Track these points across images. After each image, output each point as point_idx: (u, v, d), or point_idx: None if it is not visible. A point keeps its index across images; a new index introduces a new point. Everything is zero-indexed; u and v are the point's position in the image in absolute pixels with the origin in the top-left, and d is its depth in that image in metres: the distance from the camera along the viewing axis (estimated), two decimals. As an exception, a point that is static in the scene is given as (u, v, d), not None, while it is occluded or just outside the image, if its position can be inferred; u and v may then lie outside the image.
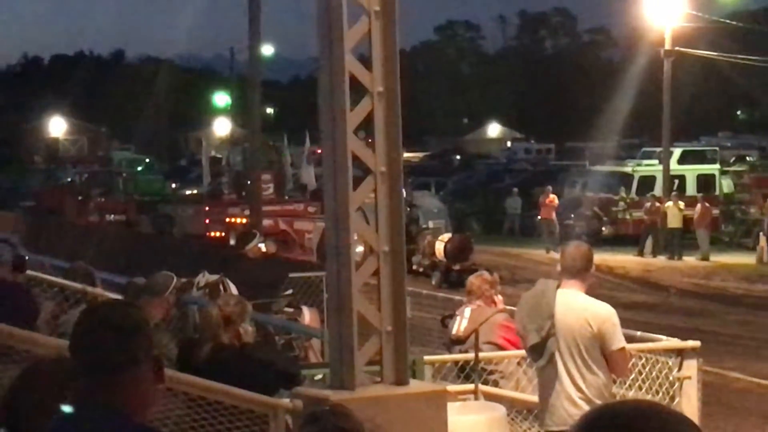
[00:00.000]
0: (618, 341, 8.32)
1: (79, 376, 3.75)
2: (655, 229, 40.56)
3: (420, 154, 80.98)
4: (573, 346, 8.24)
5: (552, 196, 41.96)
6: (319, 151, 23.41)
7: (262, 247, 17.49)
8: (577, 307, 8.29)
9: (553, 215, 41.54)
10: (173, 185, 57.52)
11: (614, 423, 2.36)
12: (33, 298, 9.50)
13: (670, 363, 10.56)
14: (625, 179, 44.39)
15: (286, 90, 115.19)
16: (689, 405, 10.43)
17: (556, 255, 34.70)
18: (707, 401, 11.82)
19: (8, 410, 4.07)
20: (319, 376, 9.32)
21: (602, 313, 8.30)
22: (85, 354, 3.75)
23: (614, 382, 10.32)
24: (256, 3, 32.55)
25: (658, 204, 40.78)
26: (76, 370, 3.77)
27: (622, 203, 43.30)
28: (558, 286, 8.39)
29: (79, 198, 51.48)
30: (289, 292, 16.45)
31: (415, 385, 7.59)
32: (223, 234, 39.10)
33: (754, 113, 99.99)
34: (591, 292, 8.46)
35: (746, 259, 38.70)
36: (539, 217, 42.35)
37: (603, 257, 37.32)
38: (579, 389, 8.23)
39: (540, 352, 8.30)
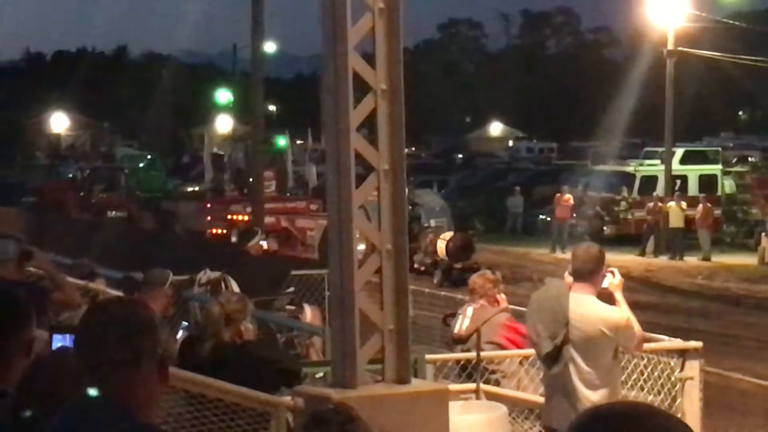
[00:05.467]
0: (637, 336, 8.36)
1: (83, 373, 3.74)
2: (657, 229, 40.55)
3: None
4: (587, 354, 8.22)
5: (568, 195, 41.81)
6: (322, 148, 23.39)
7: (264, 244, 17.43)
8: (591, 314, 8.26)
9: (569, 215, 41.38)
10: (176, 182, 57.48)
11: (607, 424, 2.35)
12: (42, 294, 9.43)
13: (672, 363, 10.54)
14: (628, 179, 44.39)
15: (289, 87, 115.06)
16: (691, 406, 10.42)
17: (561, 255, 34.76)
18: (709, 402, 11.79)
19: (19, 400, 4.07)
20: (321, 374, 9.29)
21: (620, 322, 8.30)
22: (90, 350, 3.74)
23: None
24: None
25: (660, 204, 40.78)
26: (81, 367, 3.75)
27: (624, 203, 43.26)
28: (569, 288, 8.38)
29: (81, 194, 51.44)
30: (291, 289, 16.41)
31: (416, 384, 7.58)
32: (225, 231, 39.08)
33: (757, 114, 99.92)
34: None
35: (748, 259, 38.69)
36: (555, 216, 42.09)
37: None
38: (589, 396, 8.19)
39: (554, 359, 8.28)
